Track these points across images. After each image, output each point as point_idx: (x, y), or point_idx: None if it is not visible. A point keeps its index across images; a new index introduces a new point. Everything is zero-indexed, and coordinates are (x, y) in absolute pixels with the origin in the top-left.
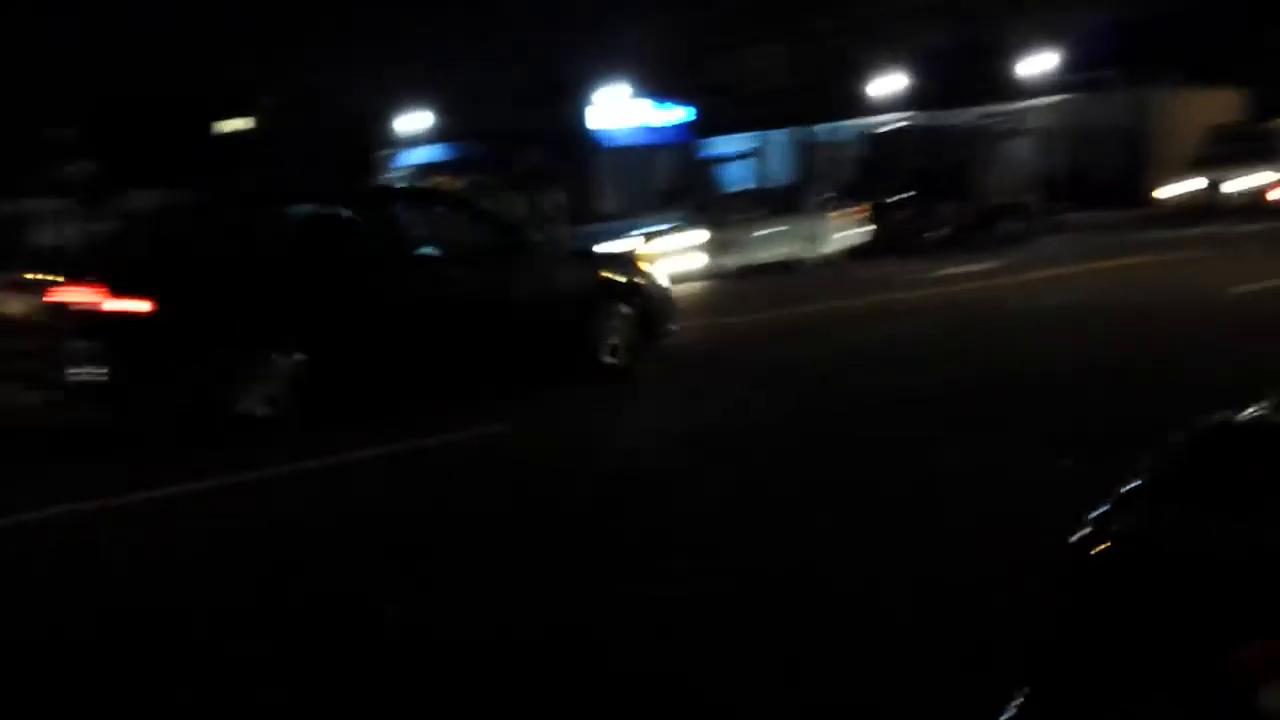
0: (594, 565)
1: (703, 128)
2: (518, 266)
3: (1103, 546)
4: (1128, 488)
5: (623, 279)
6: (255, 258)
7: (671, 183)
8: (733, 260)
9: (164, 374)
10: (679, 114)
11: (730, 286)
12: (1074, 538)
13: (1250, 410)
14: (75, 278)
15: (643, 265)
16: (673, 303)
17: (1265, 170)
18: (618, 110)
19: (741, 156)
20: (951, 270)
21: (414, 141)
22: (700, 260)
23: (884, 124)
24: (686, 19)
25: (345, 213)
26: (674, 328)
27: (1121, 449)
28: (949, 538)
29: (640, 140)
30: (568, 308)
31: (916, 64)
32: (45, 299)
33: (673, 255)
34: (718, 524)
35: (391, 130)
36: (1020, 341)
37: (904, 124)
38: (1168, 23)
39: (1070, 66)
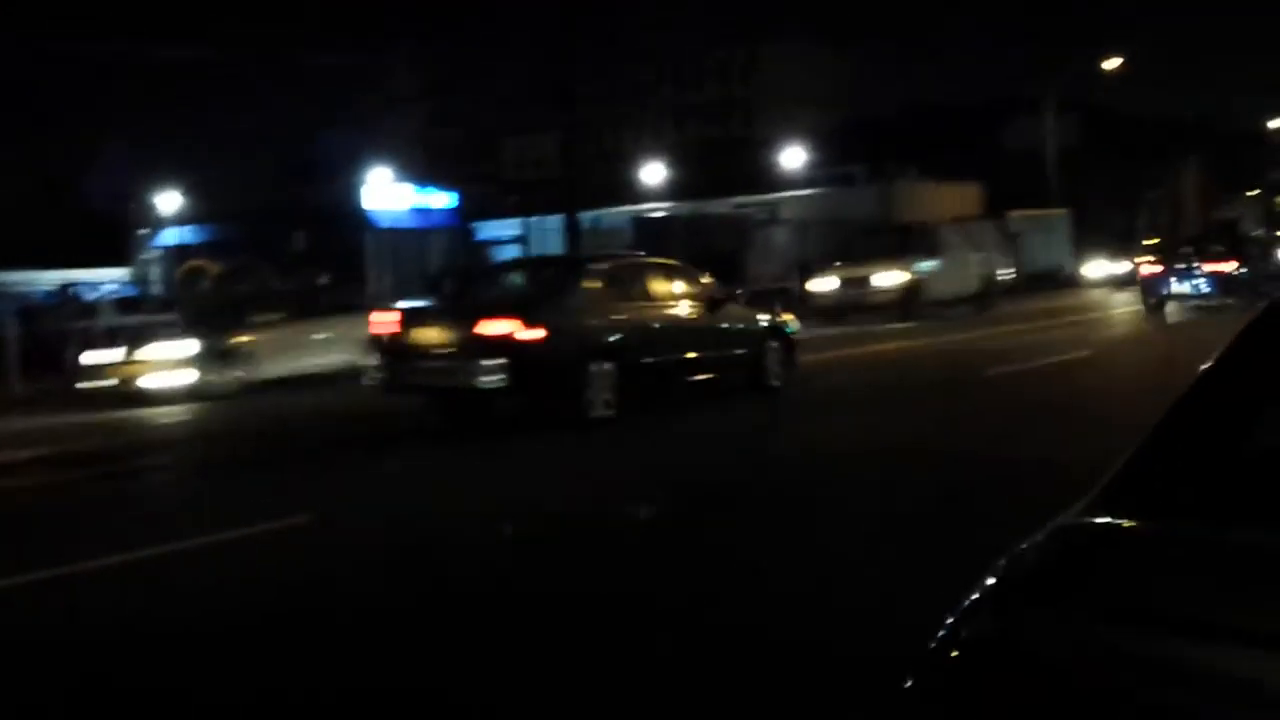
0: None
1: (476, 212)
2: (721, 313)
3: (961, 651)
4: (985, 589)
5: (772, 321)
6: (590, 297)
7: (443, 266)
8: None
9: (545, 383)
10: (443, 199)
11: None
12: (933, 642)
13: (1094, 508)
14: (494, 314)
15: (783, 313)
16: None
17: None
18: (386, 193)
19: (513, 240)
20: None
21: (172, 221)
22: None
23: (649, 211)
24: (457, 107)
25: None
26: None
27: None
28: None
29: (412, 224)
30: (749, 340)
31: (678, 154)
32: (471, 329)
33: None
34: None
35: (151, 209)
36: (820, 426)
37: (669, 212)
38: (910, 121)
39: (821, 161)
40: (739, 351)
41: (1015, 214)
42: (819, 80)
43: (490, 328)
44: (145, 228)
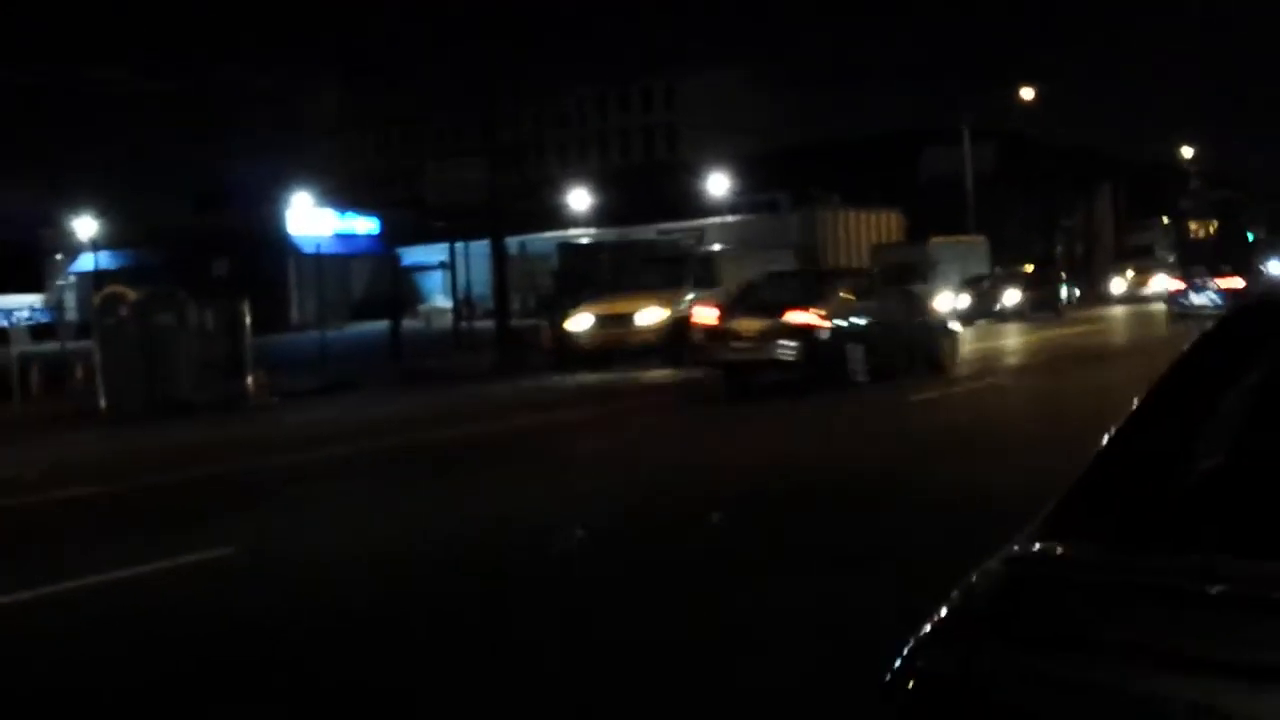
0: None
1: (401, 238)
2: (914, 307)
3: (916, 684)
4: (938, 620)
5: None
6: (843, 297)
7: (368, 291)
8: None
9: (825, 357)
10: (366, 225)
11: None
12: (888, 674)
13: (1042, 535)
14: (794, 308)
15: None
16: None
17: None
18: (309, 219)
19: (439, 266)
20: (652, 378)
21: (88, 247)
22: None
23: (576, 237)
24: (380, 132)
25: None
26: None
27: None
28: None
29: (335, 249)
30: (932, 331)
31: (604, 181)
32: (779, 319)
33: None
34: None
35: (66, 235)
36: (763, 448)
37: (595, 238)
38: (832, 149)
39: (745, 188)
40: (922, 338)
41: (936, 240)
42: (742, 108)
43: (794, 318)
44: (60, 253)
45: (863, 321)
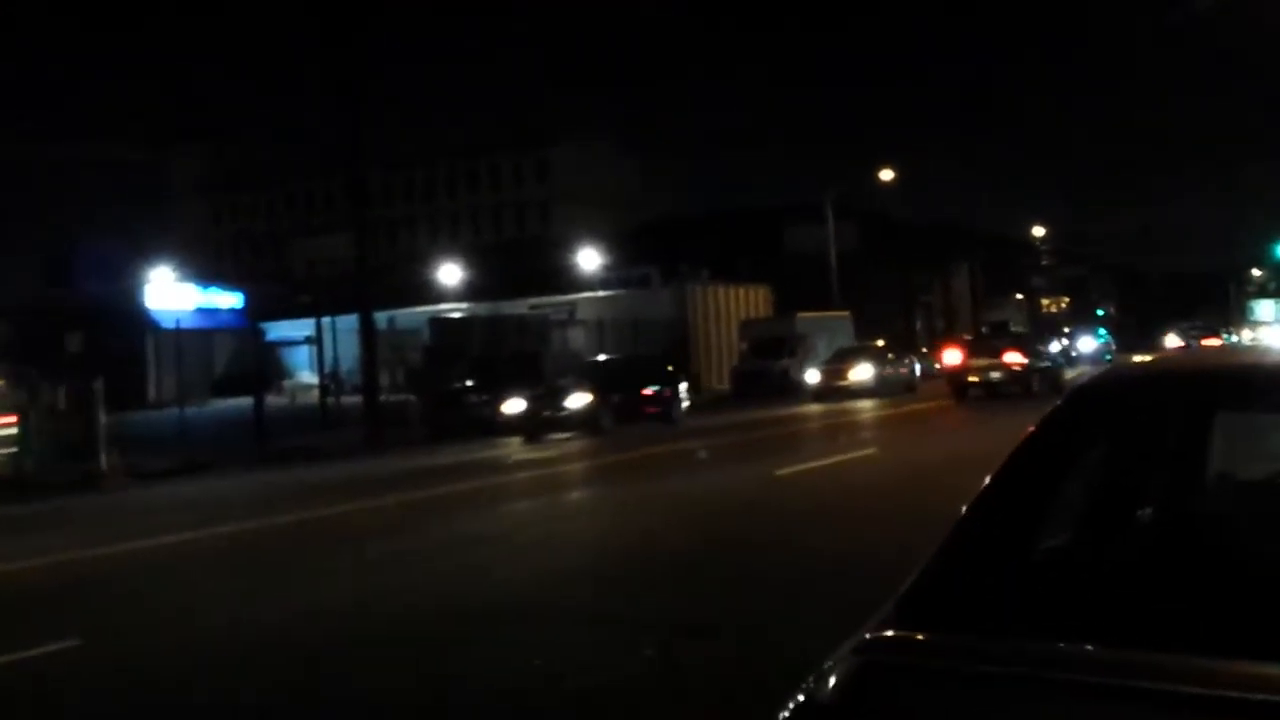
0: None
1: (266, 312)
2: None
3: None
4: (789, 715)
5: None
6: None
7: (231, 367)
8: None
9: (1023, 381)
10: (229, 299)
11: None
12: None
13: (891, 621)
14: (1009, 351)
15: None
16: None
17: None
18: (169, 293)
19: (305, 341)
20: (528, 455)
21: None
22: None
23: (446, 312)
24: (243, 207)
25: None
26: None
27: None
28: None
29: (197, 323)
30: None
31: (474, 255)
32: (999, 358)
33: None
34: None
35: None
36: (590, 528)
37: (466, 313)
38: (702, 225)
39: (616, 262)
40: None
41: (803, 315)
42: (613, 182)
43: (1009, 358)
44: None
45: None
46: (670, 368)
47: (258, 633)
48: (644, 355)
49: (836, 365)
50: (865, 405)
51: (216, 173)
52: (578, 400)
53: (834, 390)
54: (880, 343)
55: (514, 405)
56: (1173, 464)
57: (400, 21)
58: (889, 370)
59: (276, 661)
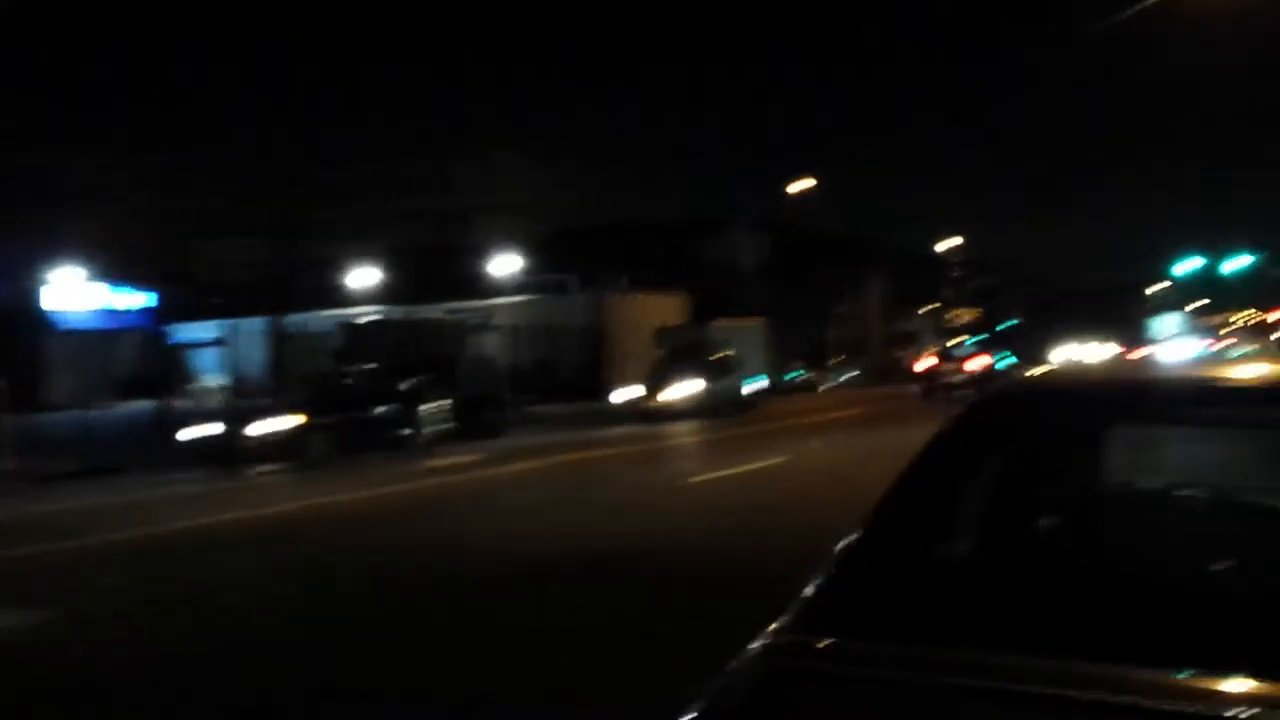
0: None
1: (173, 313)
2: None
3: None
4: (691, 717)
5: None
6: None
7: (136, 369)
8: None
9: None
10: (138, 299)
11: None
12: None
13: (791, 627)
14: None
15: None
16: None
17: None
18: (73, 293)
19: (213, 343)
20: (440, 462)
21: None
22: None
23: (359, 315)
24: (155, 206)
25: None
26: None
27: None
28: None
29: (102, 324)
30: None
31: (389, 260)
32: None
33: None
34: None
35: None
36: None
37: (379, 316)
38: (620, 233)
39: (534, 269)
40: None
41: (717, 323)
42: (532, 190)
43: (972, 364)
44: None
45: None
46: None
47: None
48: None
49: (661, 378)
50: (684, 429)
51: (126, 170)
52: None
53: (650, 413)
54: (728, 353)
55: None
56: (1070, 474)
57: (320, 22)
58: (722, 385)
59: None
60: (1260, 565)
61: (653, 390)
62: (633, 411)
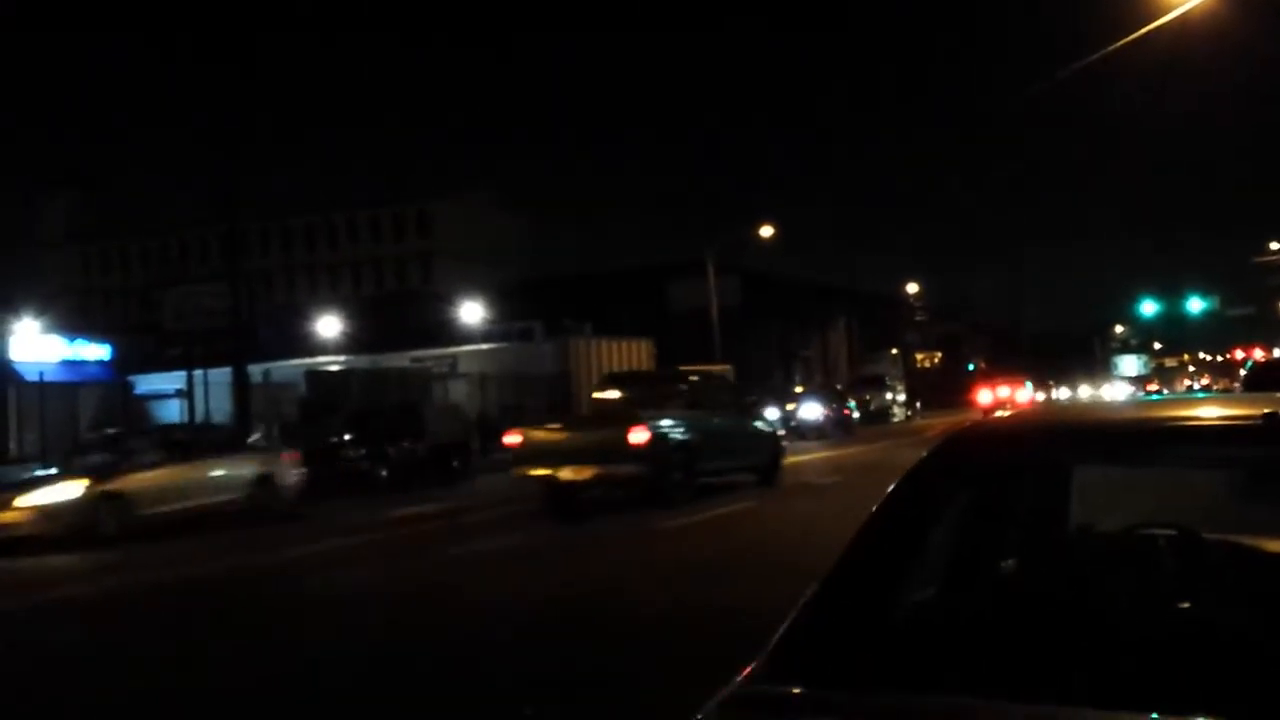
0: None
1: (135, 364)
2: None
3: None
4: None
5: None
6: None
7: (97, 421)
8: None
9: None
10: (97, 351)
11: None
12: None
13: (760, 675)
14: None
15: None
16: None
17: None
18: (33, 345)
19: (176, 394)
20: (405, 512)
21: None
22: None
23: (325, 364)
24: (114, 256)
25: None
26: None
27: None
28: None
29: (62, 376)
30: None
31: (353, 308)
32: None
33: None
34: None
35: None
36: (495, 581)
37: (344, 366)
38: (585, 280)
39: (499, 316)
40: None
41: (684, 369)
42: (497, 238)
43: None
44: None
45: None
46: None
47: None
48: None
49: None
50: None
51: (86, 221)
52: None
53: None
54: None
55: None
56: (1034, 517)
57: (283, 71)
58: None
59: None
60: (1225, 604)
61: None
62: None
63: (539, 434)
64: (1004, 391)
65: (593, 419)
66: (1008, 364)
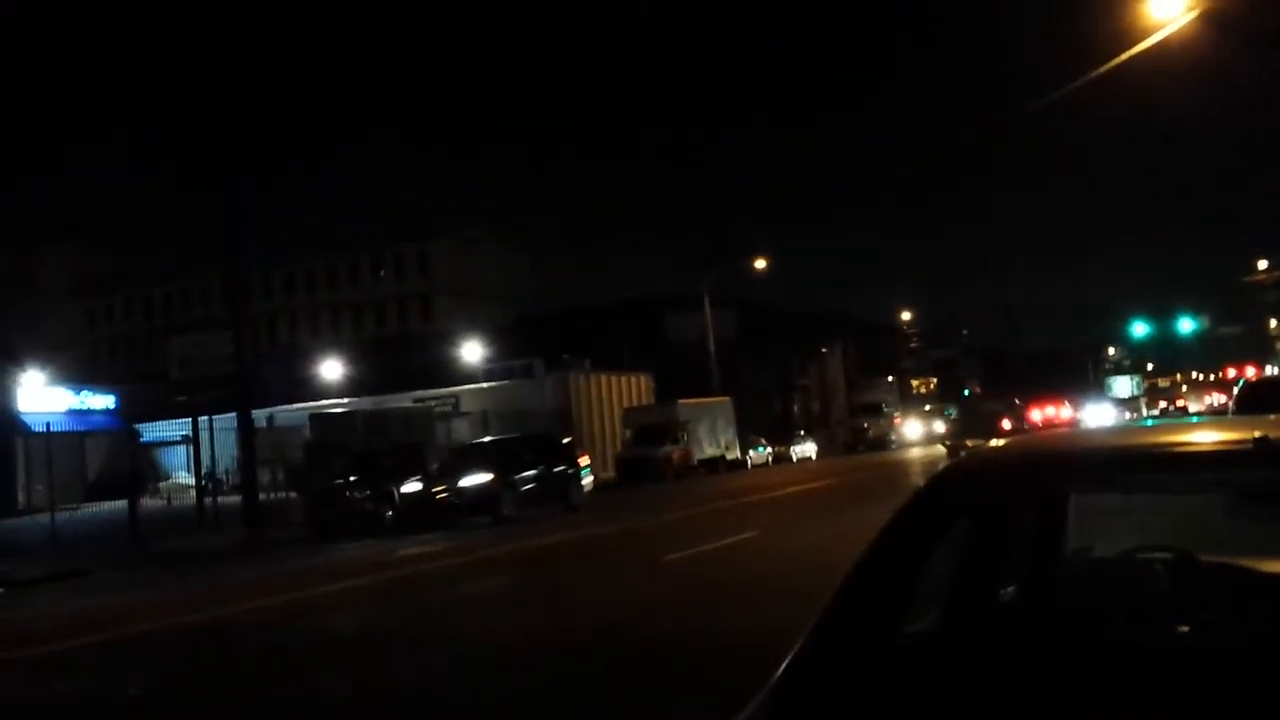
0: None
1: (141, 413)
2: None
3: None
4: None
5: None
6: None
7: (105, 470)
8: None
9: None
10: (102, 401)
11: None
12: None
13: (764, 710)
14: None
15: None
16: None
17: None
18: (41, 396)
19: (182, 441)
20: (414, 550)
21: None
22: None
23: (328, 408)
24: (118, 306)
25: None
26: None
27: None
28: None
29: (70, 426)
30: None
31: (355, 351)
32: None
33: None
34: None
35: None
36: (498, 616)
37: (348, 408)
38: (583, 315)
39: (499, 354)
40: None
41: (684, 401)
42: (494, 275)
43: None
44: None
45: None
46: (566, 441)
47: None
48: (535, 433)
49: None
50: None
51: (88, 272)
52: (474, 480)
53: None
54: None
55: (409, 486)
56: (1032, 543)
57: (280, 115)
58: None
59: None
60: (1224, 626)
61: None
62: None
63: None
64: (1050, 410)
65: None
66: (1004, 388)
